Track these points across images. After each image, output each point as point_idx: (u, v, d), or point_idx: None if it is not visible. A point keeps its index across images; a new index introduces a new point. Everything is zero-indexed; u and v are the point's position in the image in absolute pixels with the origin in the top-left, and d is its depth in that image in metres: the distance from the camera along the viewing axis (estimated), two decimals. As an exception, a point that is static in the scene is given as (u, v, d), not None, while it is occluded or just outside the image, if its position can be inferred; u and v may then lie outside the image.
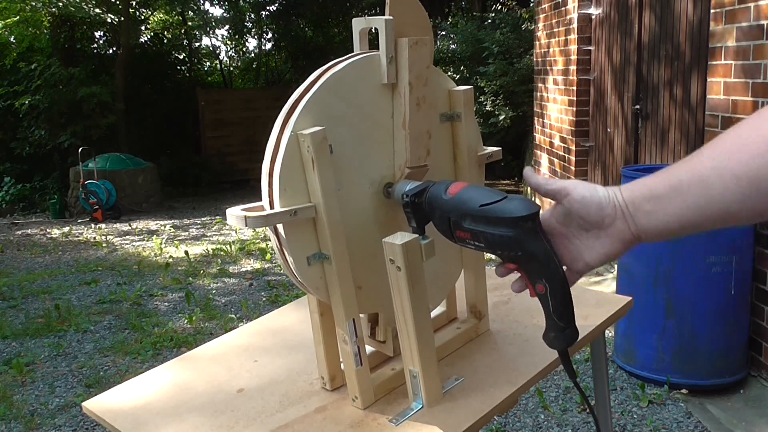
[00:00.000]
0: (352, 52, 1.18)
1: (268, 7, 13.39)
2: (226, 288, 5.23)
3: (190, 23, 13.31)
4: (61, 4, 9.50)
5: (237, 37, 14.07)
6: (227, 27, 13.66)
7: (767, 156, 0.73)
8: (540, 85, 6.69)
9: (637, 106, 4.72)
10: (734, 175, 0.75)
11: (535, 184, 0.92)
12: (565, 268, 0.90)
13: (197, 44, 13.93)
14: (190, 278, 5.50)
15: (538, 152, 6.91)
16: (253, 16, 13.70)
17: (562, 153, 6.08)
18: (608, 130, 5.27)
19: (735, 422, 2.84)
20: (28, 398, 3.40)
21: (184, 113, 12.08)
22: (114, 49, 11.95)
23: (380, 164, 1.17)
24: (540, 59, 6.66)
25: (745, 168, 0.74)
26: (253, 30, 13.94)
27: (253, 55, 14.67)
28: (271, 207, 1.06)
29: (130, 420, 1.21)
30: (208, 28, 13.38)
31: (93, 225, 8.37)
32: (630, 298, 1.50)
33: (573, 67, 5.67)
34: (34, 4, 9.58)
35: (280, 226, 1.05)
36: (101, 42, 12.35)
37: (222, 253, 6.39)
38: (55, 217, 9.15)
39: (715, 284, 2.96)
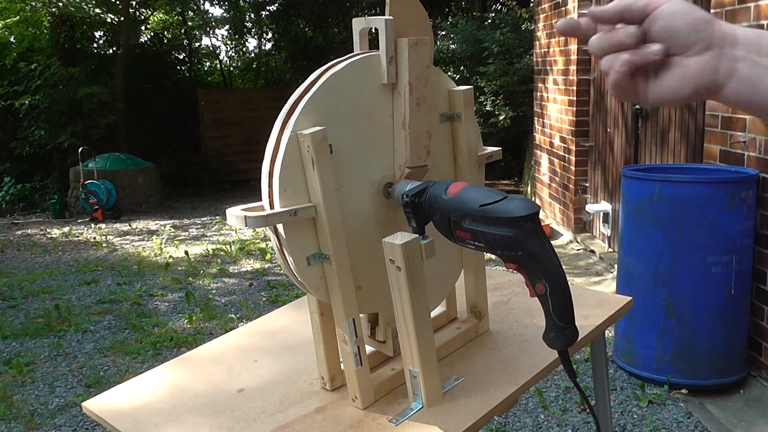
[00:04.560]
0: (352, 52, 1.18)
1: (268, 7, 13.38)
2: (226, 288, 5.23)
3: (190, 23, 13.30)
4: (61, 4, 9.48)
5: (237, 37, 14.05)
6: (227, 27, 13.64)
7: None
8: (540, 85, 6.69)
9: (637, 106, 4.72)
10: None
11: (602, 9, 0.71)
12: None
13: (197, 44, 13.91)
14: (190, 278, 5.50)
15: (538, 152, 6.91)
16: (253, 16, 13.69)
17: (562, 153, 6.08)
18: (608, 130, 5.27)
19: (735, 422, 2.84)
20: (28, 398, 3.40)
21: (184, 113, 12.07)
22: (114, 49, 11.94)
23: (380, 164, 1.17)
24: (540, 59, 6.66)
25: None
26: (253, 30, 13.92)
27: (253, 55, 14.65)
28: (271, 207, 1.06)
29: (130, 420, 1.21)
30: (208, 28, 13.36)
31: (93, 225, 8.37)
32: (630, 298, 1.50)
33: (573, 67, 5.67)
34: (34, 4, 9.56)
35: (280, 226, 1.05)
36: (101, 42, 12.33)
37: (222, 253, 6.39)
38: (55, 217, 9.14)
39: (715, 284, 2.95)
